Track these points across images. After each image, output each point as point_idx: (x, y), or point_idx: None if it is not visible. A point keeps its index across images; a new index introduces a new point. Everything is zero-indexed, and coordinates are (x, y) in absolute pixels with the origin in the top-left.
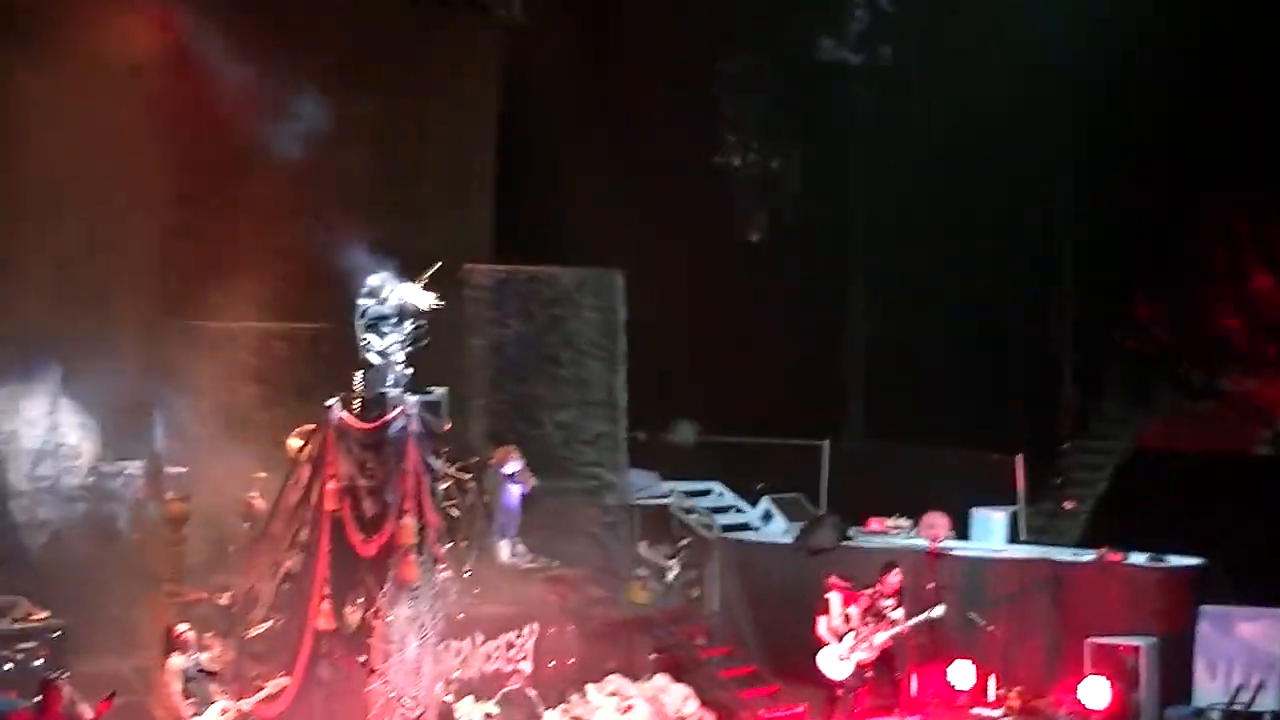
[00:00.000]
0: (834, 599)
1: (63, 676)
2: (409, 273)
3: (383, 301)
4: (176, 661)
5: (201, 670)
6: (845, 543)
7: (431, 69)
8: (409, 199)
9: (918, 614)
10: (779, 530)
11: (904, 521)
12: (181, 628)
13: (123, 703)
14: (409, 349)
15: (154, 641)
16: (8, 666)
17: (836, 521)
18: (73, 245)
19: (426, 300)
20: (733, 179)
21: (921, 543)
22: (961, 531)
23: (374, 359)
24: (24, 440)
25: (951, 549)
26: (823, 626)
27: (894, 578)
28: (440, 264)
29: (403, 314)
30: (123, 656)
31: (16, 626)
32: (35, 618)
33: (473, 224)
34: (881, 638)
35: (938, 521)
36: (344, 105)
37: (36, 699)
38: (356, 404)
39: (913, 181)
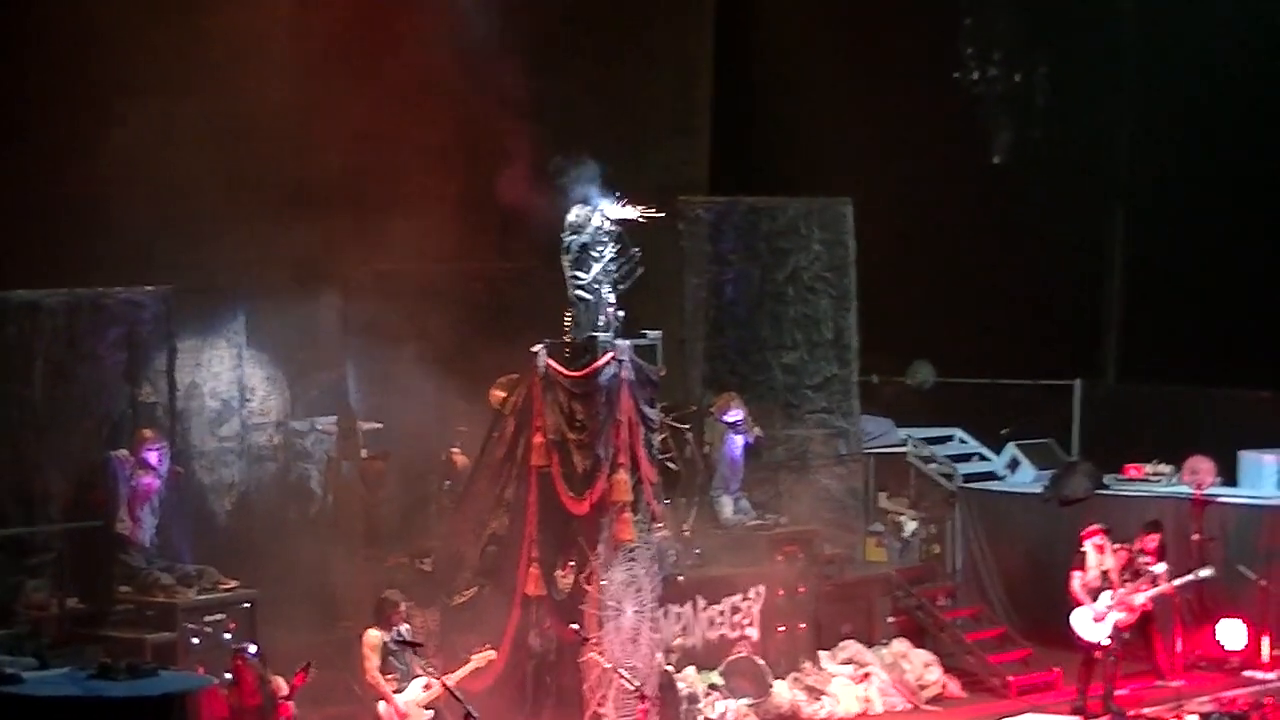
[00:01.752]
0: (1090, 553)
1: (253, 649)
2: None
3: (586, 229)
4: (375, 634)
5: (403, 641)
6: (1100, 492)
7: None
8: (624, 130)
9: (1182, 573)
10: (1027, 479)
11: (1165, 468)
12: (388, 594)
13: (319, 676)
14: (621, 285)
15: (350, 611)
16: (195, 640)
17: (1091, 469)
18: (258, 190)
19: (631, 213)
20: (974, 96)
21: (1185, 490)
22: (1229, 477)
23: (583, 297)
24: (208, 396)
25: (1218, 497)
26: (1077, 583)
27: (1154, 539)
28: (655, 208)
29: (607, 236)
30: (317, 628)
31: (203, 597)
32: (223, 587)
33: (691, 154)
34: (1141, 598)
35: (1202, 467)
36: (557, 36)
37: (227, 674)
38: (565, 350)
39: (1181, 98)
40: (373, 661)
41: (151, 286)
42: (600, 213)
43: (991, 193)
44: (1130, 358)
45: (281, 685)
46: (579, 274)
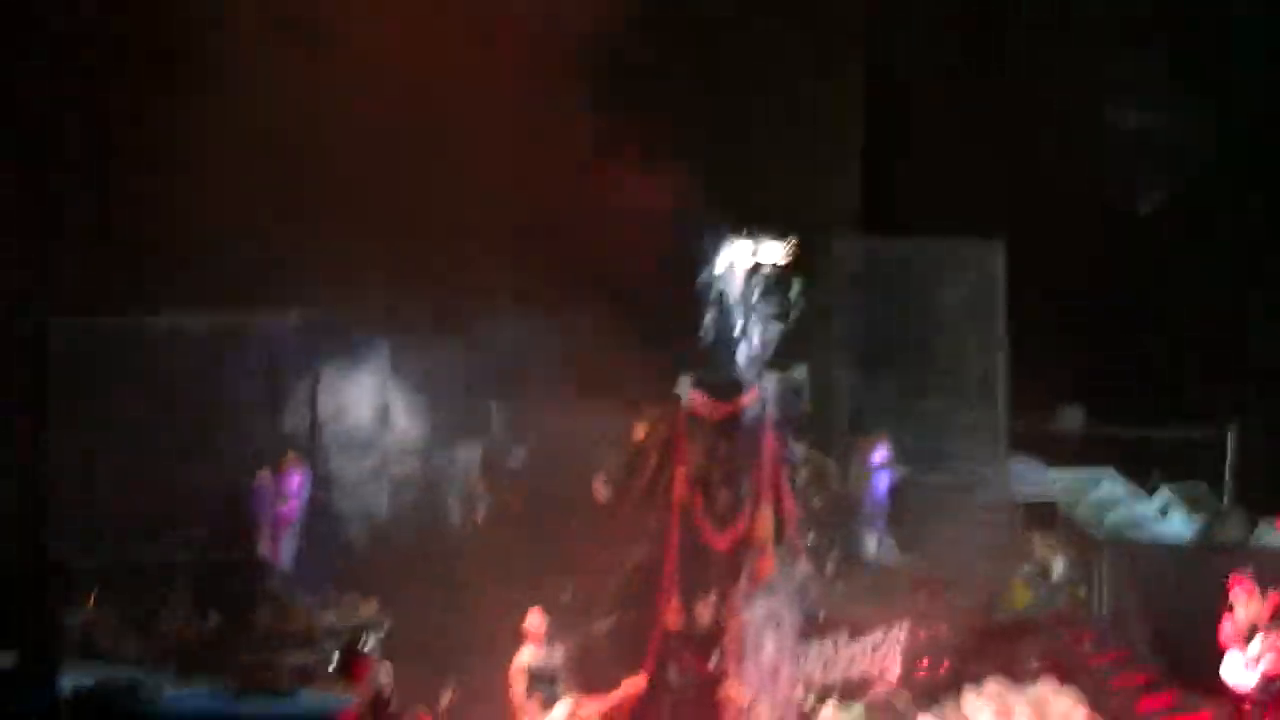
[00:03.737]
0: (1239, 600)
1: (368, 645)
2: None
3: (735, 271)
4: (525, 657)
5: (547, 668)
6: (1254, 540)
7: (793, 26)
8: (770, 168)
9: None
10: (1178, 525)
11: None
12: (533, 620)
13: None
14: (779, 323)
15: (490, 640)
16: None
17: (1244, 516)
18: (398, 218)
19: (776, 253)
20: (1127, 139)
21: None
22: None
23: (730, 334)
24: (351, 424)
25: None
26: (1227, 630)
27: None
28: (796, 240)
29: (752, 275)
30: (456, 655)
31: (344, 623)
32: (363, 613)
33: (837, 194)
34: None
35: None
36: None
37: (342, 666)
38: (710, 386)
39: None
40: (519, 686)
41: (296, 313)
42: (743, 253)
43: (1142, 236)
44: None
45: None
46: (720, 312)
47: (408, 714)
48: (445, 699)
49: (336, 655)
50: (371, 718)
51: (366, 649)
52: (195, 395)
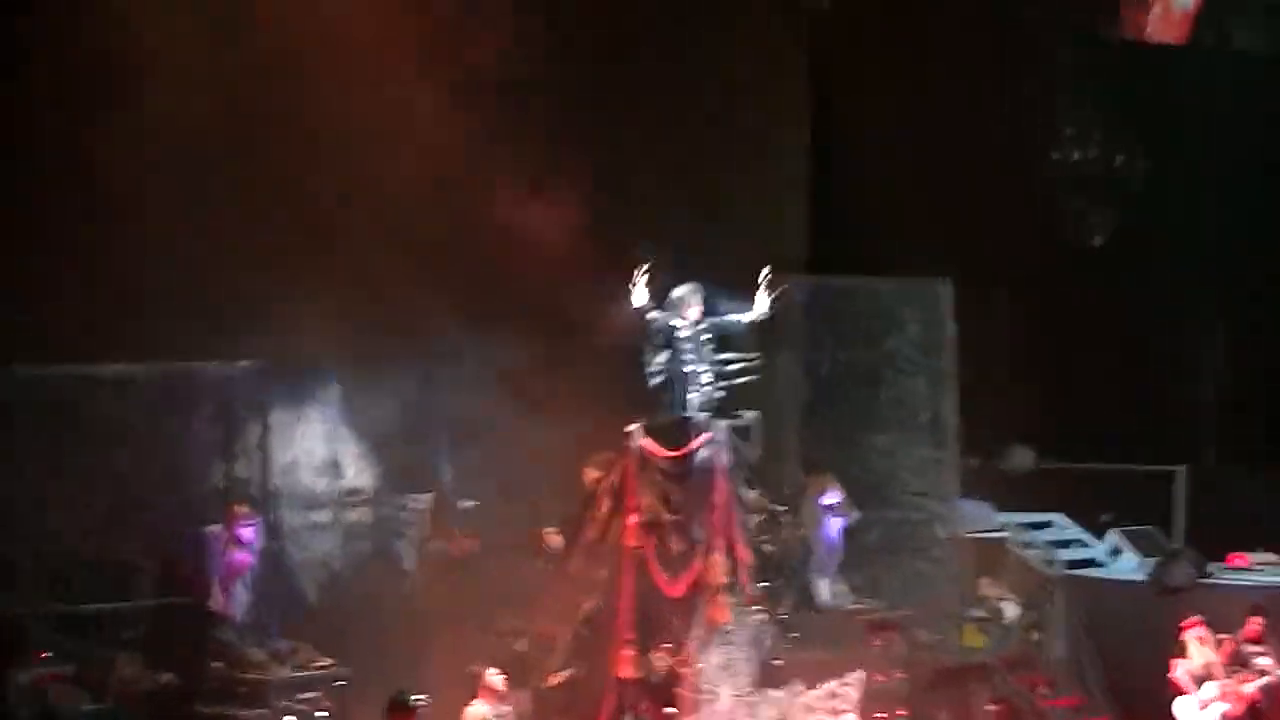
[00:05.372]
0: (1192, 642)
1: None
2: (714, 285)
3: (684, 314)
4: (477, 710)
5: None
6: (1204, 580)
7: (735, 61)
8: (716, 211)
9: None
10: (1129, 567)
11: (1271, 557)
12: (490, 674)
13: None
14: (724, 368)
15: (443, 690)
16: (289, 718)
17: (1194, 557)
18: (351, 259)
19: (763, 306)
20: (1066, 177)
21: None
22: None
23: (680, 378)
24: (301, 473)
25: None
26: (1180, 670)
27: (1258, 623)
28: (769, 272)
29: (706, 326)
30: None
31: (298, 675)
32: (316, 665)
33: (782, 232)
34: (1250, 688)
35: None
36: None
37: None
38: (660, 430)
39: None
40: None
41: (246, 361)
42: (692, 296)
43: (1087, 274)
44: (1233, 443)
45: None
46: (670, 356)
47: None
48: None
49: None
50: None
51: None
52: (145, 444)
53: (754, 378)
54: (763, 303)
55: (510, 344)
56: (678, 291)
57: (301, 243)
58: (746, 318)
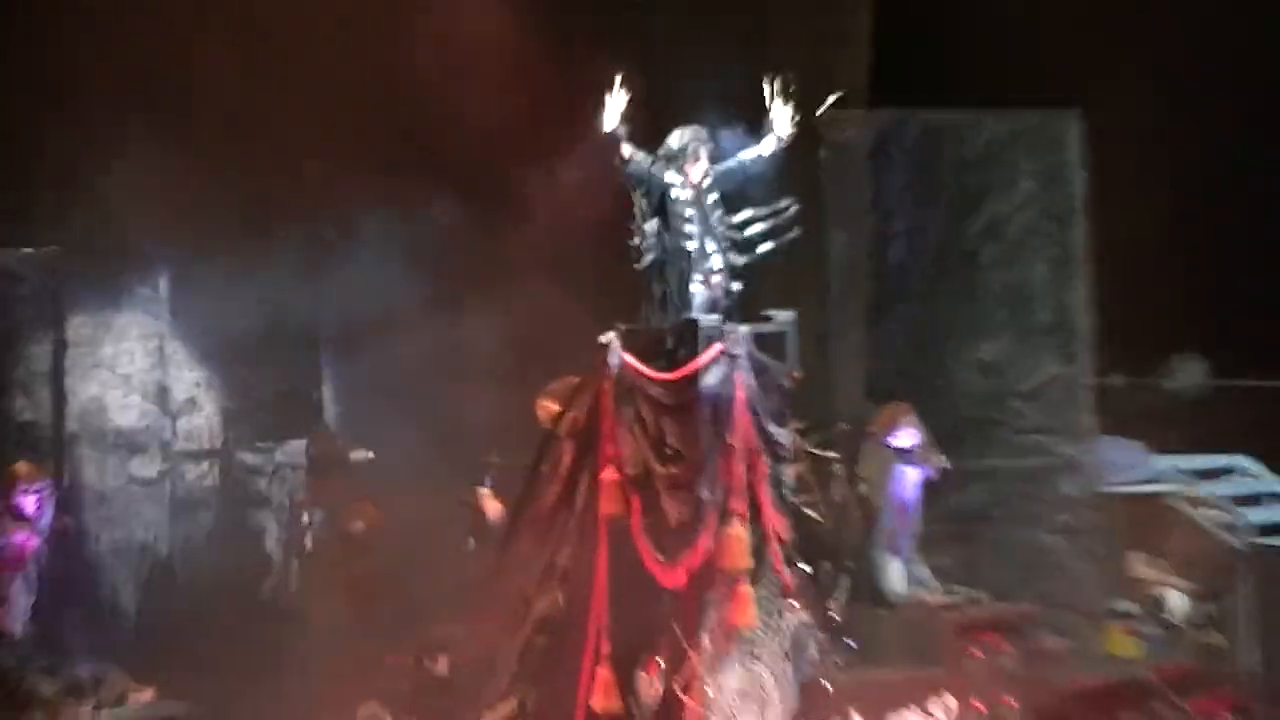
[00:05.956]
0: None
1: None
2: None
3: (688, 174)
4: None
5: None
6: None
7: None
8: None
9: None
10: None
11: None
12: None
13: None
14: (748, 245)
15: None
16: None
17: None
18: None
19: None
20: None
21: None
22: None
23: (680, 261)
24: (115, 411)
25: None
26: None
27: None
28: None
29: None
30: None
31: (104, 713)
32: (136, 701)
33: (840, 55)
34: None
35: None
36: None
37: None
38: (650, 340)
39: None
40: None
41: (30, 248)
42: (701, 138)
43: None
44: None
45: None
46: (665, 228)
47: None
48: None
49: None
50: None
51: None
52: None
53: (790, 238)
54: (782, 120)
55: (427, 215)
56: (676, 138)
57: (118, 73)
58: (761, 150)
